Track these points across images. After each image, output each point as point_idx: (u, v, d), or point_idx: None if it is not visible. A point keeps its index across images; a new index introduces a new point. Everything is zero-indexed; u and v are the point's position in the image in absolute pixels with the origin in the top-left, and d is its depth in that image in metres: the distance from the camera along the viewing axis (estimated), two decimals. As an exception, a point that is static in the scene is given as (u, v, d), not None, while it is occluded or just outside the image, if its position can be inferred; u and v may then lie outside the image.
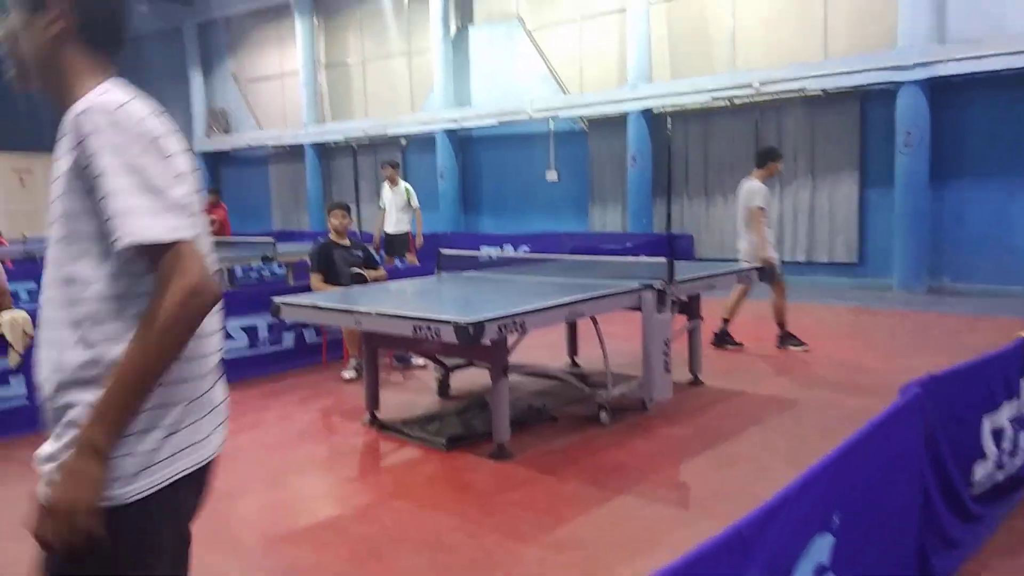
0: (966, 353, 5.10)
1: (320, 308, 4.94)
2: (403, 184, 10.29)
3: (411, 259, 10.34)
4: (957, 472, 3.14)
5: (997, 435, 3.45)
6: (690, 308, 6.04)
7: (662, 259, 5.31)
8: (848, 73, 10.94)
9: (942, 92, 10.45)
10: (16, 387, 5.17)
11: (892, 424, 2.58)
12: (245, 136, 19.95)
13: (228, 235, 12.43)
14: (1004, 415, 3.52)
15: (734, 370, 6.52)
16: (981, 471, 3.35)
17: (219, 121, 20.57)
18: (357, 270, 6.73)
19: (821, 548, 2.17)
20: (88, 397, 1.45)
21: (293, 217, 19.43)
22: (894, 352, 7.10)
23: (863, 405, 5.37)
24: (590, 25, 14.11)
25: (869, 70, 10.75)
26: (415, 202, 10.22)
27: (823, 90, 11.38)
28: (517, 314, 4.26)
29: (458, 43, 15.76)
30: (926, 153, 10.41)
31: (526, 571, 3.24)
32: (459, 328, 3.94)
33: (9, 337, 5.08)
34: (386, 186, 10.29)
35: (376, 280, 6.68)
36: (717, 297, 7.04)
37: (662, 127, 13.25)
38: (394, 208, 10.19)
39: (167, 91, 21.70)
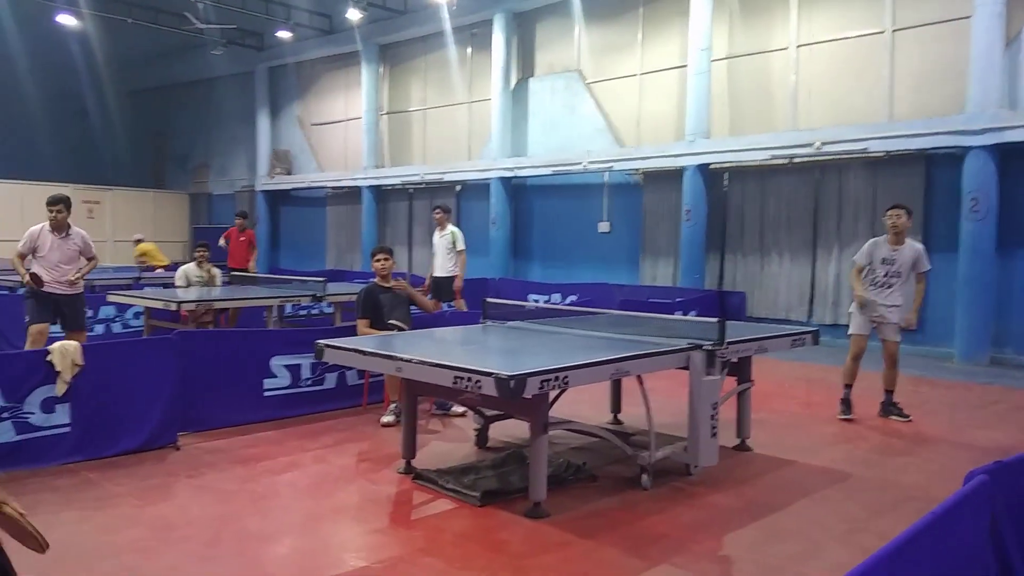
0: (1034, 433, 4.81)
1: (362, 353, 4.91)
2: (450, 227, 10.34)
3: (458, 304, 10.33)
4: (1022, 567, 2.90)
5: (1070, 528, 3.19)
6: (741, 370, 5.85)
7: (713, 319, 5.16)
8: (914, 136, 10.69)
9: (1011, 158, 10.13)
10: (60, 415, 5.22)
11: (956, 513, 2.40)
12: (306, 177, 20.43)
13: (244, 264, 12.80)
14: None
15: (784, 438, 6.26)
16: (1051, 567, 3.09)
17: (282, 161, 21.13)
18: (395, 322, 6.74)
19: (874, 648, 2.00)
20: None
21: (347, 257, 19.72)
22: (955, 427, 6.77)
23: (920, 483, 5.10)
24: (650, 79, 14.15)
25: (936, 133, 10.49)
26: (460, 245, 10.23)
27: (887, 152, 11.13)
28: (560, 369, 4.17)
29: (518, 94, 15.96)
30: (993, 220, 10.06)
31: (555, 643, 3.08)
32: (500, 381, 3.86)
33: (58, 366, 5.17)
34: (437, 230, 10.37)
35: (427, 309, 6.81)
36: (769, 358, 6.83)
37: (719, 183, 13.11)
38: (442, 251, 10.24)
39: (236, 131, 22.52)
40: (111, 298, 9.14)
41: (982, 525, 2.58)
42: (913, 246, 7.00)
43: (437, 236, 10.34)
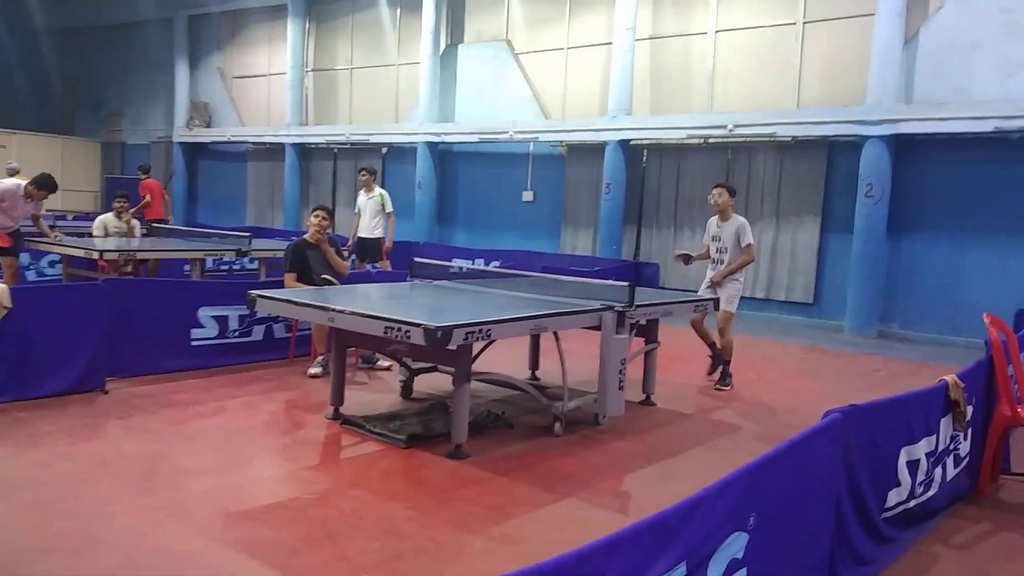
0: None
1: (295, 303, 5.14)
2: (378, 190, 10.51)
3: (384, 264, 10.54)
4: (872, 496, 3.44)
5: (913, 467, 3.76)
6: (648, 332, 6.33)
7: (625, 283, 5.60)
8: (818, 123, 11.44)
9: (905, 148, 10.97)
10: (-10, 355, 5.27)
11: (811, 443, 2.87)
12: (227, 131, 20.02)
13: (162, 216, 12.95)
14: (922, 449, 3.84)
15: (686, 395, 6.82)
16: (895, 497, 3.66)
17: (201, 114, 20.63)
18: (326, 276, 6.96)
19: (737, 544, 2.44)
20: None
21: (267, 214, 19.51)
22: (838, 390, 7.46)
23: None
24: (576, 54, 14.52)
25: (838, 122, 11.25)
26: (389, 207, 10.41)
27: (793, 137, 11.86)
28: (484, 323, 4.51)
29: (446, 59, 16.07)
30: (885, 205, 10.90)
31: (470, 560, 3.47)
32: (428, 331, 4.18)
33: (-13, 307, 5.21)
34: (362, 191, 10.50)
35: (338, 269, 7.08)
36: (674, 325, 7.37)
37: (638, 159, 13.64)
38: (368, 213, 10.39)
39: (154, 80, 21.77)
40: (30, 245, 8.97)
41: (835, 455, 3.07)
42: (736, 221, 7.18)
43: (363, 197, 10.47)
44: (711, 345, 7.42)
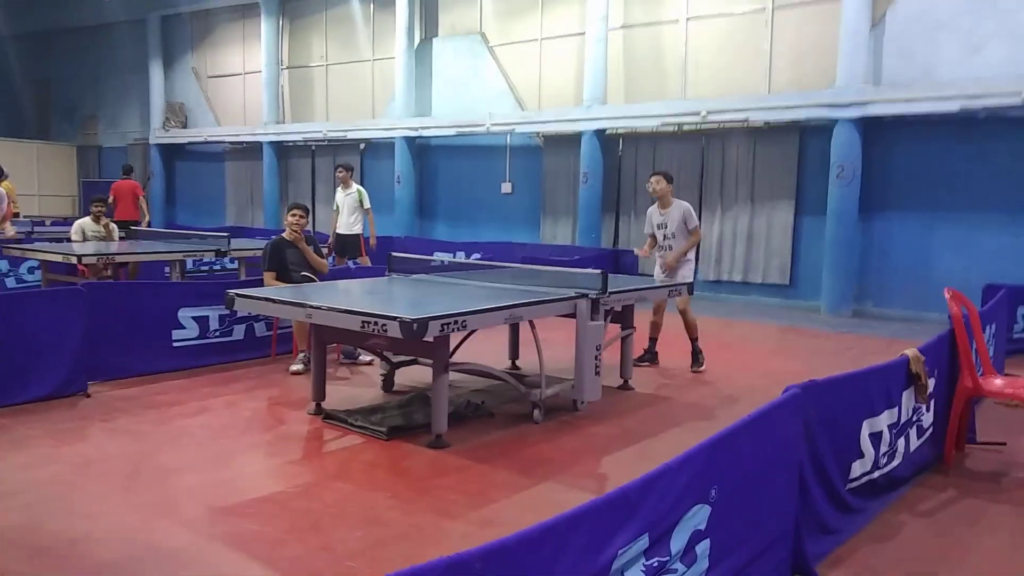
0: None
1: (273, 301, 5.21)
2: (355, 186, 10.57)
3: (363, 260, 10.61)
4: (835, 467, 3.57)
5: (875, 438, 3.90)
6: (623, 318, 6.45)
7: (597, 271, 5.71)
8: (789, 108, 11.59)
9: (874, 130, 11.15)
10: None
11: (770, 417, 3.00)
12: (203, 131, 19.95)
13: (136, 217, 13.08)
14: (883, 422, 3.98)
15: (662, 379, 6.96)
16: (859, 468, 3.79)
17: (177, 115, 20.54)
18: (306, 274, 7.03)
19: (699, 516, 2.56)
20: None
21: (247, 214, 19.48)
22: (813, 368, 7.53)
23: (775, 414, 5.84)
24: (550, 45, 14.59)
25: (808, 106, 11.41)
26: (367, 203, 10.49)
27: (765, 122, 12.02)
28: (459, 314, 4.61)
29: (421, 54, 16.10)
30: (857, 186, 11.07)
31: (451, 544, 3.56)
32: (404, 324, 4.26)
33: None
34: (340, 188, 10.56)
35: (317, 267, 7.14)
36: (650, 309, 7.50)
37: (614, 148, 13.76)
38: (346, 210, 10.45)
39: (127, 82, 21.63)
40: (6, 251, 8.97)
41: (795, 427, 3.20)
42: (680, 205, 7.28)
43: (341, 194, 10.53)
44: (652, 340, 7.48)
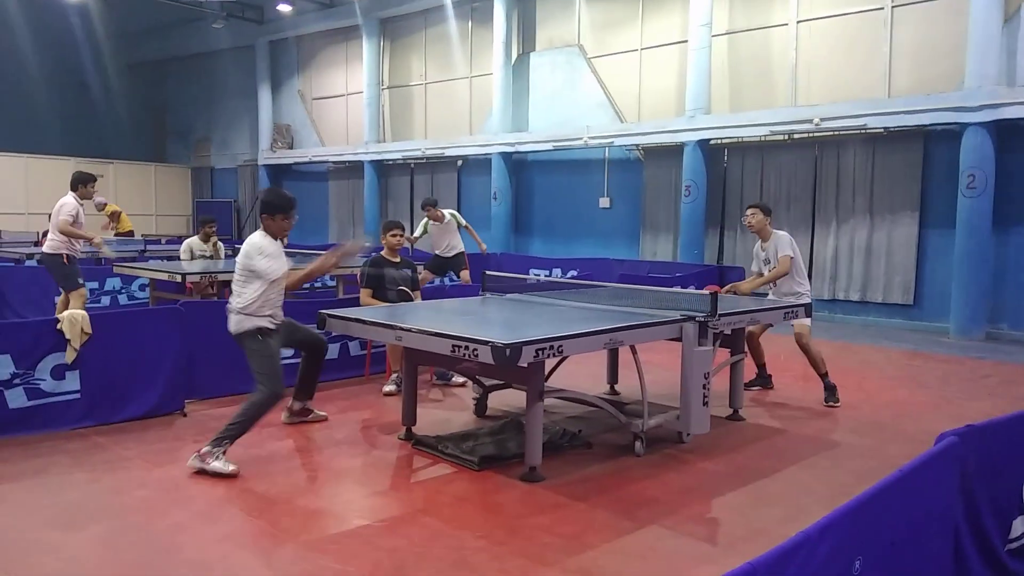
0: (1019, 404, 4.94)
1: (364, 322, 5.04)
2: (446, 214, 10.45)
3: (464, 277, 10.49)
4: (994, 525, 3.04)
5: (1041, 490, 3.33)
6: (733, 342, 5.97)
7: (706, 292, 5.27)
8: (912, 112, 10.74)
9: (1008, 135, 10.19)
10: (70, 382, 5.37)
11: (924, 472, 2.53)
12: (308, 151, 20.46)
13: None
14: (1050, 470, 3.40)
15: (776, 408, 6.41)
16: (1021, 527, 3.24)
17: (284, 136, 21.16)
18: (403, 288, 6.89)
19: (840, 593, 2.14)
20: None
21: (349, 231, 19.81)
22: (945, 399, 6.90)
23: (907, 452, 5.22)
24: (650, 55, 14.15)
25: (934, 110, 10.54)
26: (463, 221, 10.48)
27: (885, 128, 11.19)
28: (555, 338, 4.29)
29: (519, 69, 15.96)
30: (990, 196, 10.13)
31: (546, 596, 3.24)
32: (496, 349, 3.98)
33: (68, 334, 5.31)
34: (431, 223, 10.44)
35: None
36: (766, 332, 6.96)
37: (718, 159, 13.17)
38: (446, 235, 10.39)
39: (237, 106, 22.51)
40: (117, 270, 9.25)
41: (951, 483, 2.71)
42: (776, 237, 6.82)
43: (435, 228, 10.45)
44: (761, 366, 6.99)
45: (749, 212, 6.95)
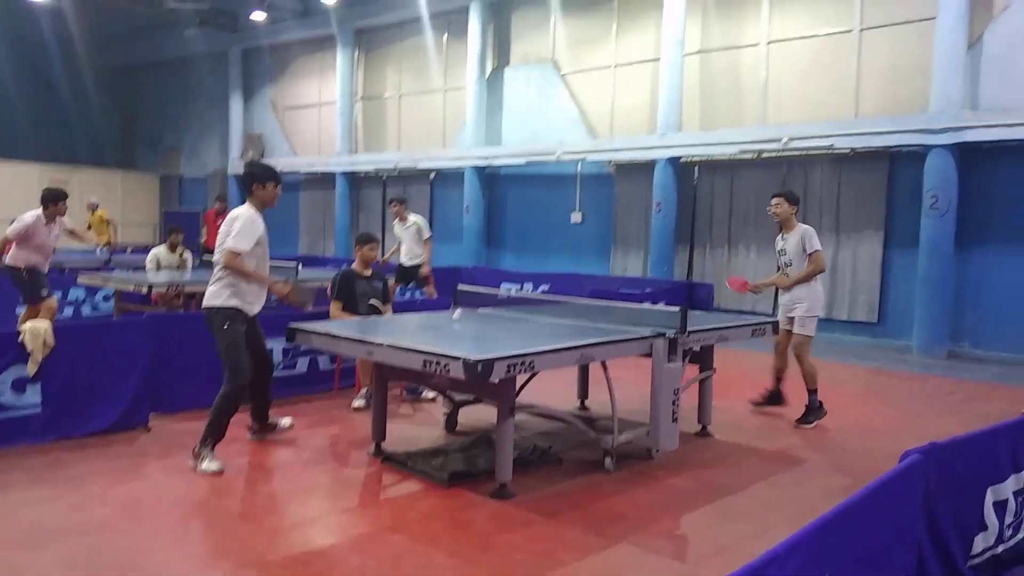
0: (981, 421, 5.03)
1: (334, 336, 5.00)
2: (412, 218, 10.37)
3: (429, 291, 10.44)
4: (957, 542, 3.09)
5: (1000, 508, 3.39)
6: (703, 358, 6.02)
7: (675, 308, 5.32)
8: (878, 133, 10.96)
9: (971, 157, 10.43)
10: (31, 396, 5.25)
11: (889, 490, 2.57)
12: (279, 161, 20.28)
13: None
14: (1009, 488, 3.47)
15: (744, 424, 6.47)
16: (982, 543, 3.30)
17: (255, 145, 20.99)
18: (374, 302, 6.85)
19: (807, 611, 2.16)
20: None
21: (319, 243, 19.69)
22: (909, 416, 7.01)
23: (872, 469, 5.28)
24: (623, 72, 14.29)
25: (899, 131, 10.76)
26: (427, 232, 10.32)
27: (852, 148, 11.40)
28: (527, 354, 4.30)
29: (493, 83, 16.02)
30: (952, 217, 10.35)
31: (515, 614, 3.23)
32: (468, 365, 3.98)
33: (30, 346, 5.20)
34: (396, 222, 10.41)
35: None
36: (731, 348, 7.02)
37: (689, 176, 13.31)
38: (408, 240, 10.31)
39: (208, 114, 22.30)
40: (81, 280, 9.10)
41: (914, 500, 2.76)
42: (799, 229, 6.58)
43: (399, 227, 10.39)
44: (778, 380, 6.95)
45: (775, 202, 6.67)
